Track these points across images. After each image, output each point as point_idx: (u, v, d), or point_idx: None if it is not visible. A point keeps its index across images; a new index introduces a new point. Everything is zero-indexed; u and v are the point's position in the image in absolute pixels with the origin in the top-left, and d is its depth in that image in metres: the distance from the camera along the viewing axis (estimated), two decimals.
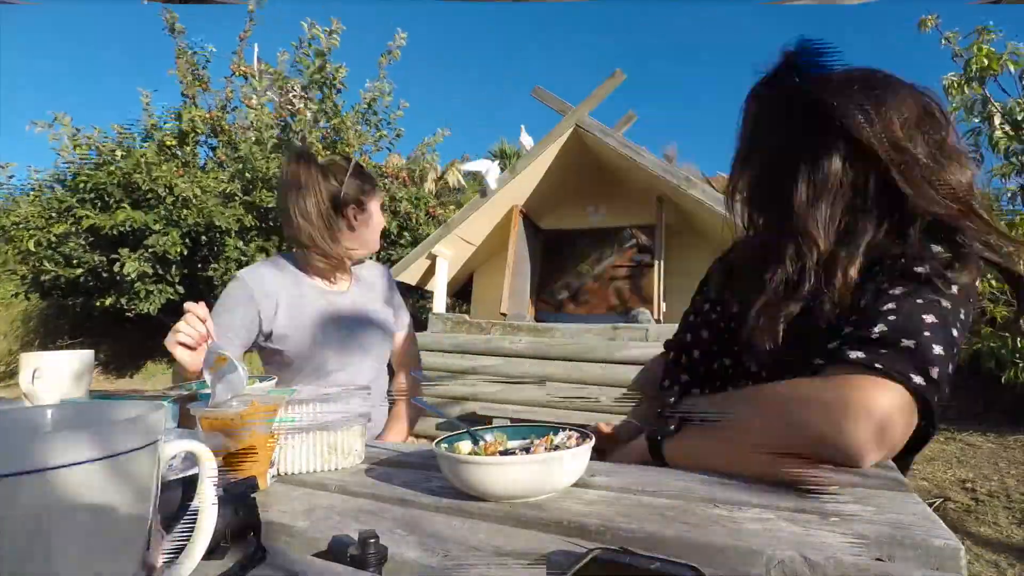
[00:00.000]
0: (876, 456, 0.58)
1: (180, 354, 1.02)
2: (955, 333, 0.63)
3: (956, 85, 3.93)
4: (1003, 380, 3.41)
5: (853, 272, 0.68)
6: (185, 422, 0.91)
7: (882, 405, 0.57)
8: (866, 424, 0.57)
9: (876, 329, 0.62)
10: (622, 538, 0.49)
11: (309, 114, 6.96)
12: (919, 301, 0.63)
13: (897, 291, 0.64)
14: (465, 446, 0.68)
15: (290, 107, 7.15)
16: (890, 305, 0.63)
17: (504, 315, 5.53)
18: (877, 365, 0.59)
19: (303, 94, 7.12)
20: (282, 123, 7.12)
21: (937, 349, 0.60)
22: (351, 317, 1.36)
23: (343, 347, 1.33)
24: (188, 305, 1.03)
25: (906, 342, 0.60)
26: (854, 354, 0.61)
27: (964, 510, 2.54)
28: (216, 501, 0.42)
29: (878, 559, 0.44)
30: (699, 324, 0.94)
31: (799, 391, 0.63)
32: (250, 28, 7.19)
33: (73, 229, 6.16)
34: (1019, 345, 3.35)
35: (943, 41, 3.93)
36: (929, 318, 0.62)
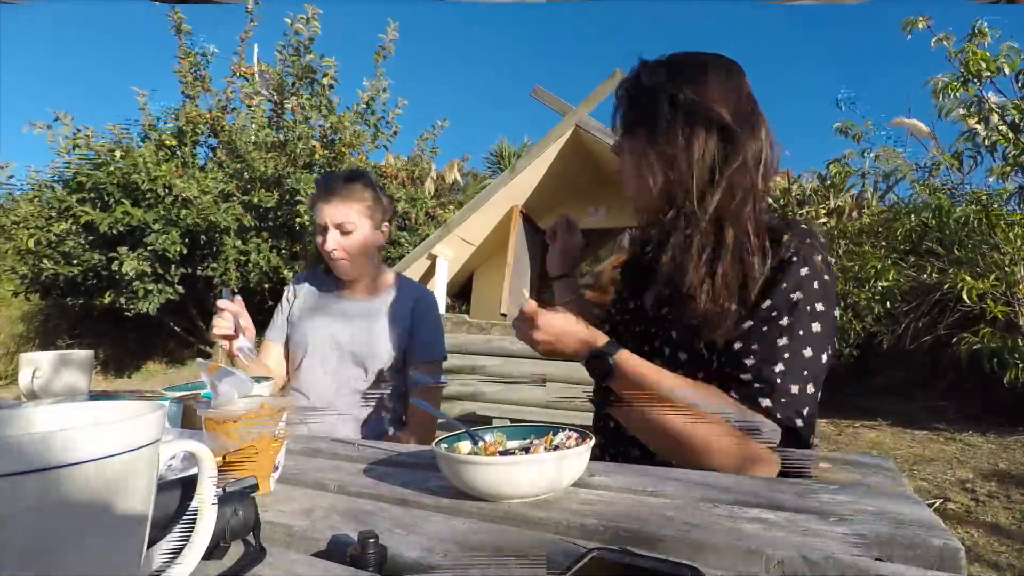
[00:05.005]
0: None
1: (223, 344, 1.21)
2: (824, 358, 0.76)
3: (951, 86, 3.92)
4: (1005, 381, 3.40)
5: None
6: (188, 422, 0.91)
7: (771, 463, 0.74)
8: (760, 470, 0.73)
9: (777, 369, 0.74)
10: (622, 538, 0.49)
11: (299, 112, 6.90)
12: (800, 333, 0.75)
13: (784, 322, 0.75)
14: (465, 446, 0.68)
15: (282, 107, 7.12)
16: (783, 341, 0.75)
17: (504, 315, 5.53)
18: (778, 415, 0.73)
19: (293, 90, 7.06)
20: (278, 122, 7.10)
21: (810, 389, 0.75)
22: (350, 324, 1.41)
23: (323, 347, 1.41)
24: (220, 303, 1.19)
25: (793, 388, 0.74)
26: (764, 402, 0.74)
27: (964, 510, 2.54)
28: (216, 501, 0.42)
29: (878, 559, 0.44)
30: (612, 328, 0.99)
31: (717, 426, 0.74)
32: (250, 29, 7.16)
33: (72, 228, 6.16)
34: (1019, 345, 3.34)
35: (935, 43, 3.92)
36: (808, 352, 0.75)
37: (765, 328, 0.75)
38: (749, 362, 0.75)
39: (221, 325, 1.17)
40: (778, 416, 0.73)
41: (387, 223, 1.47)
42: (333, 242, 1.36)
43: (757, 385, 0.74)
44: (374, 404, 1.38)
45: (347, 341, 1.39)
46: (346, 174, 1.42)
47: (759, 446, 0.73)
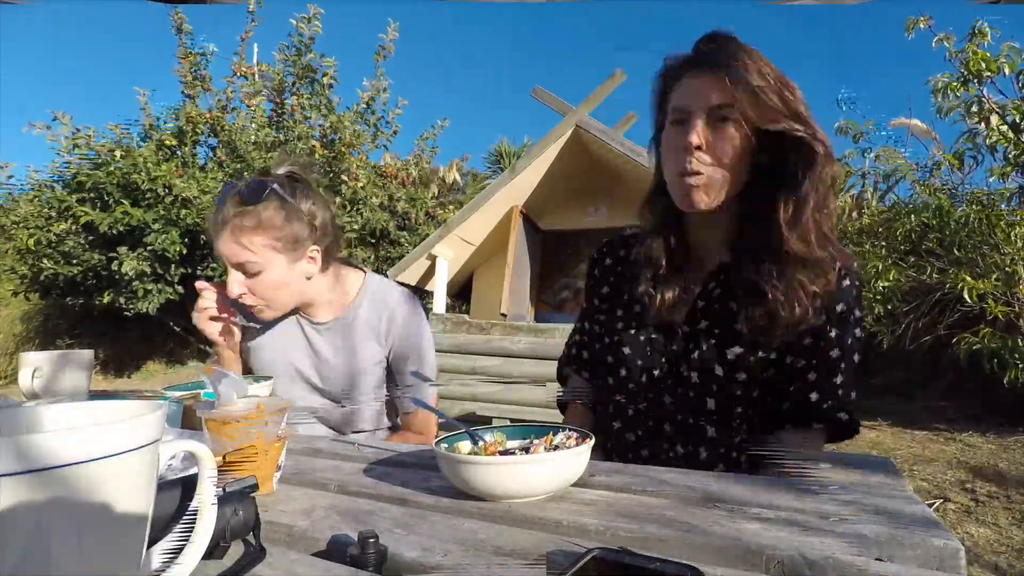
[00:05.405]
0: None
1: (211, 329, 1.12)
2: (856, 358, 0.83)
3: (951, 86, 3.92)
4: (1005, 381, 3.40)
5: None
6: (188, 422, 0.91)
7: None
8: None
9: (837, 381, 0.81)
10: (622, 538, 0.49)
11: (299, 111, 6.90)
12: (849, 343, 0.81)
13: (833, 334, 0.81)
14: (465, 446, 0.67)
15: (282, 107, 7.12)
16: (835, 353, 0.81)
17: (504, 315, 5.53)
18: (848, 420, 0.81)
19: (294, 90, 7.06)
20: (278, 121, 7.10)
21: (853, 395, 0.82)
22: (317, 355, 1.22)
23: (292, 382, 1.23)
24: (200, 284, 1.12)
25: (853, 394, 0.82)
26: (842, 416, 0.81)
27: (964, 510, 2.54)
28: (216, 501, 0.42)
29: (878, 559, 0.44)
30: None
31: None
32: (251, 29, 7.16)
33: (72, 228, 6.17)
34: (1019, 345, 3.34)
35: (935, 43, 3.91)
36: (853, 362, 0.82)
37: (823, 343, 0.81)
38: (812, 377, 0.81)
39: (208, 304, 1.09)
40: (847, 419, 0.81)
41: (316, 246, 1.12)
42: (238, 286, 1.07)
43: (830, 402, 0.81)
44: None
45: (312, 375, 1.21)
46: (243, 192, 1.07)
47: None
